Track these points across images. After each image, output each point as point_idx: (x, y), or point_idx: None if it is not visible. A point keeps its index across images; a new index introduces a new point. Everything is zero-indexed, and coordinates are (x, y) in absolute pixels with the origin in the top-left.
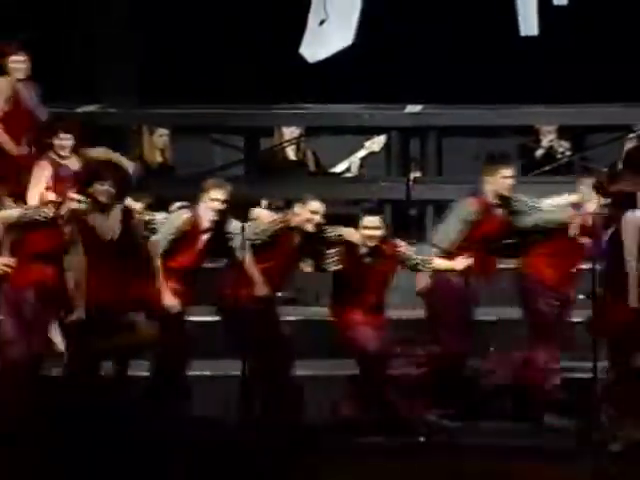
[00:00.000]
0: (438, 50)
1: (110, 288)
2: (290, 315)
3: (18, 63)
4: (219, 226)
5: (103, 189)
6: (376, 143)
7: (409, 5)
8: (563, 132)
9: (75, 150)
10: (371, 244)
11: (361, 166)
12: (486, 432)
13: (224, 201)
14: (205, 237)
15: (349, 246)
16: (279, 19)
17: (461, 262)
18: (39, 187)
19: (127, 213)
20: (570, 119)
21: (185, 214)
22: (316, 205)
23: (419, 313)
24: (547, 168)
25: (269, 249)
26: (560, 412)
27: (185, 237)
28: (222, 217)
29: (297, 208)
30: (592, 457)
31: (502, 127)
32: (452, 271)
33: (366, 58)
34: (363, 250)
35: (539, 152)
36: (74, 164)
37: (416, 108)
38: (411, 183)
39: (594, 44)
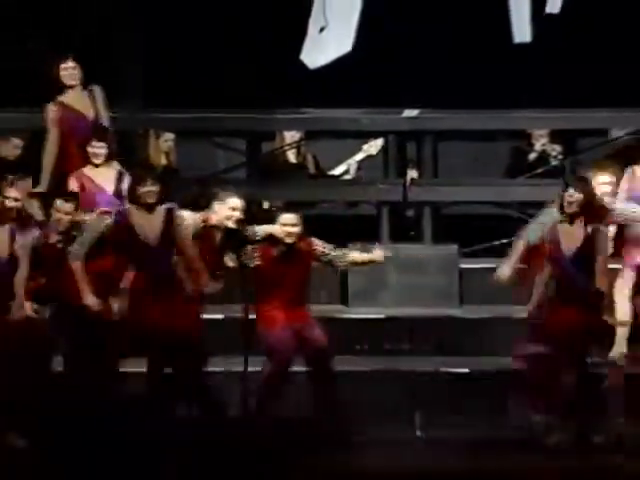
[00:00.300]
0: (434, 56)
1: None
2: None
3: (67, 70)
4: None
5: (147, 190)
6: (374, 146)
7: (406, 13)
8: (555, 136)
9: (109, 158)
10: (289, 241)
11: (359, 169)
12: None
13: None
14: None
15: (270, 242)
16: (280, 27)
17: (379, 253)
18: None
19: (170, 213)
20: (561, 123)
21: (107, 220)
22: (235, 201)
23: (410, 311)
24: (539, 171)
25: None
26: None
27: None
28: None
29: (217, 206)
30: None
31: (496, 131)
32: (370, 263)
33: (364, 64)
34: (281, 247)
35: (532, 155)
36: (109, 172)
37: (413, 112)
38: (408, 185)
39: (586, 50)
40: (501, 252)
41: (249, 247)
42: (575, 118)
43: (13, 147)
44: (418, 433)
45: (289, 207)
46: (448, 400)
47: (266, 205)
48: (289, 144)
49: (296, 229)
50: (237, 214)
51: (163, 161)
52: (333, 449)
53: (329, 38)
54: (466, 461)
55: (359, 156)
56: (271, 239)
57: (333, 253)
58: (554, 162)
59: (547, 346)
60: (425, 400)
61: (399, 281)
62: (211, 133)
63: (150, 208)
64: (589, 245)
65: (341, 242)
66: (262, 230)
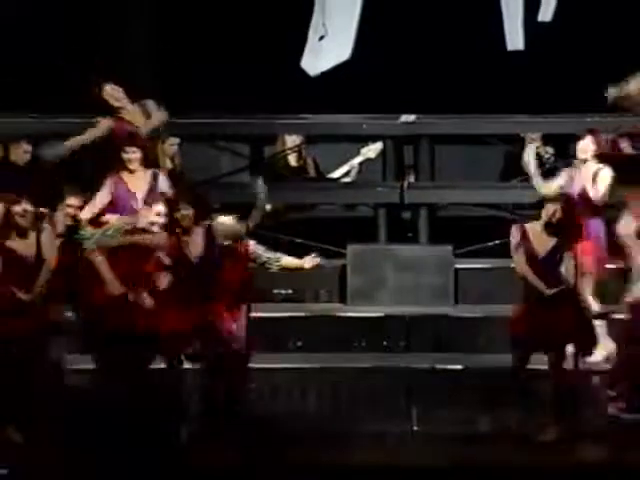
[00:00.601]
0: (430, 64)
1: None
2: (289, 312)
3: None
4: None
5: (186, 214)
6: (372, 150)
7: (403, 23)
8: (547, 139)
9: (143, 163)
10: (227, 242)
11: (358, 172)
12: None
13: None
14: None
15: (206, 242)
16: (282, 35)
17: (310, 261)
18: (96, 202)
19: (209, 232)
20: (552, 127)
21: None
22: (159, 208)
23: (407, 310)
24: None
25: (121, 249)
26: None
27: None
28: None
29: (144, 210)
30: None
31: (489, 135)
32: (300, 269)
33: (363, 71)
34: (218, 248)
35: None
36: (143, 177)
37: (410, 118)
38: (405, 188)
39: (577, 57)
40: (495, 253)
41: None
42: (567, 123)
43: (23, 152)
44: (414, 427)
45: (290, 209)
46: (443, 395)
47: (267, 207)
48: (290, 148)
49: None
50: (161, 220)
51: (169, 165)
52: (332, 443)
53: (329, 46)
54: (460, 454)
55: (358, 160)
56: (208, 239)
57: (266, 255)
58: (547, 165)
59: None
60: (421, 395)
61: (396, 280)
62: (215, 137)
63: (188, 230)
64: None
65: (340, 242)
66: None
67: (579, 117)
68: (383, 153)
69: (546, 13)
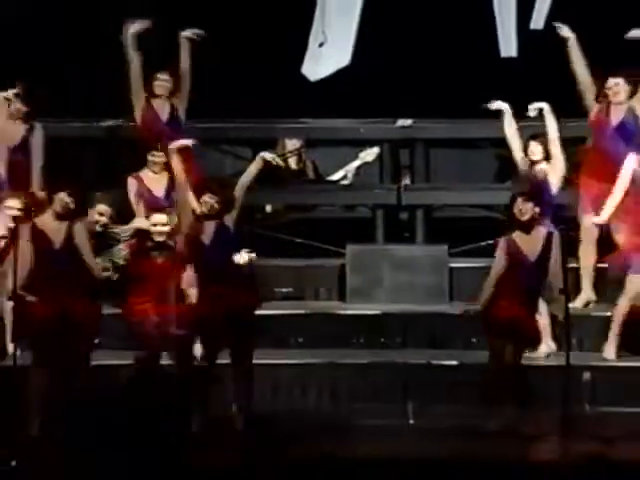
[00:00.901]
0: (425, 70)
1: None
2: (290, 309)
3: (159, 81)
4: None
5: (210, 201)
6: (370, 154)
7: (400, 31)
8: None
9: (167, 167)
10: (159, 239)
11: (356, 174)
12: None
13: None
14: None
15: (140, 238)
16: (283, 42)
17: (242, 257)
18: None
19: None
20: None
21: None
22: (102, 207)
23: (404, 307)
24: None
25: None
26: None
27: None
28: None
29: (89, 211)
30: None
31: (482, 139)
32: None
33: (361, 77)
34: (150, 245)
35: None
36: (163, 179)
37: (406, 122)
38: (402, 189)
39: (568, 64)
40: (488, 252)
41: (118, 246)
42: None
43: None
44: (410, 421)
45: (290, 210)
46: (438, 390)
47: (269, 209)
48: (290, 151)
49: (166, 228)
50: (104, 219)
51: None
52: (331, 436)
53: (328, 53)
54: (454, 447)
55: (356, 163)
56: (140, 235)
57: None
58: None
59: None
60: (417, 390)
61: (393, 279)
62: (219, 141)
63: (208, 219)
64: (548, 248)
65: (339, 242)
66: (129, 228)
67: (570, 121)
68: (380, 156)
69: (538, 21)
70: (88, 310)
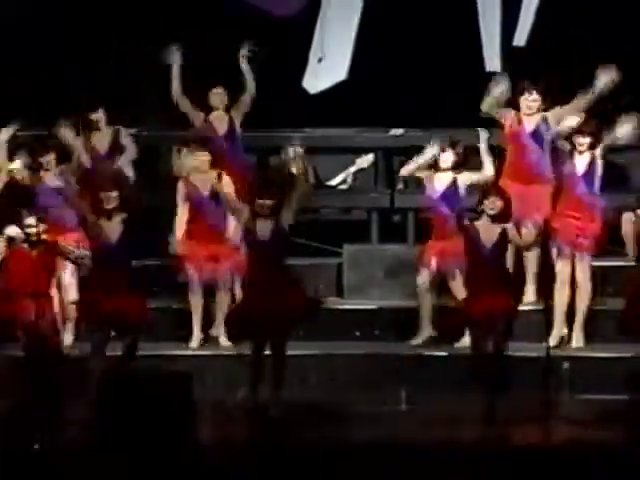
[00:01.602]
0: (416, 83)
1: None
2: None
3: (213, 95)
4: None
5: (263, 203)
6: (365, 160)
7: (394, 47)
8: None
9: (212, 166)
10: (32, 239)
11: (353, 179)
12: None
13: None
14: None
15: (10, 240)
16: (284, 58)
17: (80, 253)
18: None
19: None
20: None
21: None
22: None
23: (396, 303)
24: None
25: None
26: None
27: None
28: None
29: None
30: None
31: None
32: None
33: (357, 90)
34: (24, 243)
35: None
36: (208, 178)
37: (398, 131)
38: (395, 194)
39: (551, 77)
40: None
41: None
42: None
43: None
44: (402, 407)
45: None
46: (428, 379)
47: None
48: (292, 158)
49: (35, 229)
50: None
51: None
52: (326, 422)
53: (326, 67)
54: (443, 431)
55: (353, 169)
56: (9, 238)
57: (70, 248)
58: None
59: None
60: (408, 379)
61: (387, 277)
62: None
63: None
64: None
65: (337, 242)
66: (6, 233)
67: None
68: (375, 163)
69: (520, 38)
70: None
